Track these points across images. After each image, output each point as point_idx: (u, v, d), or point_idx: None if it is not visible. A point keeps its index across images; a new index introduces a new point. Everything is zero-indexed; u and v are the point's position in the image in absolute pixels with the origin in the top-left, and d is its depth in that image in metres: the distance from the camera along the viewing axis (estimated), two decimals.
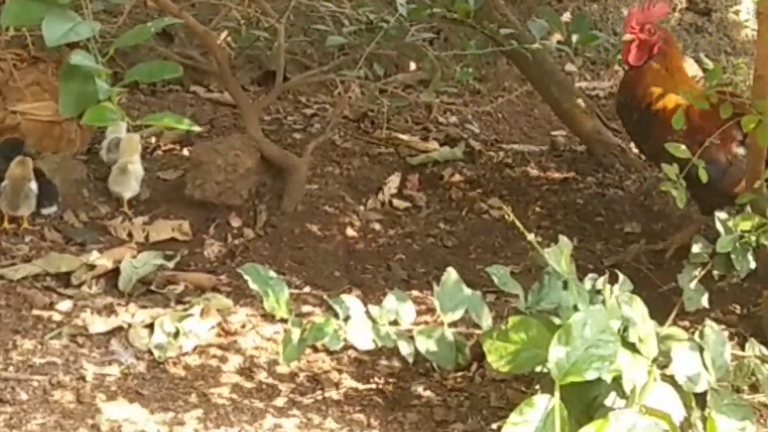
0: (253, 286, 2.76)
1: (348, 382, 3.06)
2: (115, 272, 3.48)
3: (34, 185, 3.72)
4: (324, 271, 3.69)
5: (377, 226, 4.00)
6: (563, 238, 2.86)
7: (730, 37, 6.03)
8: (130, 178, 3.91)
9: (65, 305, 3.29)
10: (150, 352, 3.08)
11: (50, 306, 3.29)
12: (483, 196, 4.25)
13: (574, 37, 4.09)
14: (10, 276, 3.40)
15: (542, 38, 4.14)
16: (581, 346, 2.39)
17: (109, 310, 3.29)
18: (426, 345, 2.82)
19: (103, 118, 2.33)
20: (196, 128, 2.41)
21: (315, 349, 3.14)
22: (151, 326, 3.16)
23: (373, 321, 2.83)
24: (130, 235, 3.77)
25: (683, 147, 3.33)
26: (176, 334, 3.13)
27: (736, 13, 5.99)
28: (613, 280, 2.87)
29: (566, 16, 5.46)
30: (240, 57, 4.66)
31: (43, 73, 4.05)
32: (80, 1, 2.37)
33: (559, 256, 2.71)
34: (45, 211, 3.78)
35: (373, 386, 3.05)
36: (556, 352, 2.39)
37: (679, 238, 3.85)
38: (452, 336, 2.85)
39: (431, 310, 3.37)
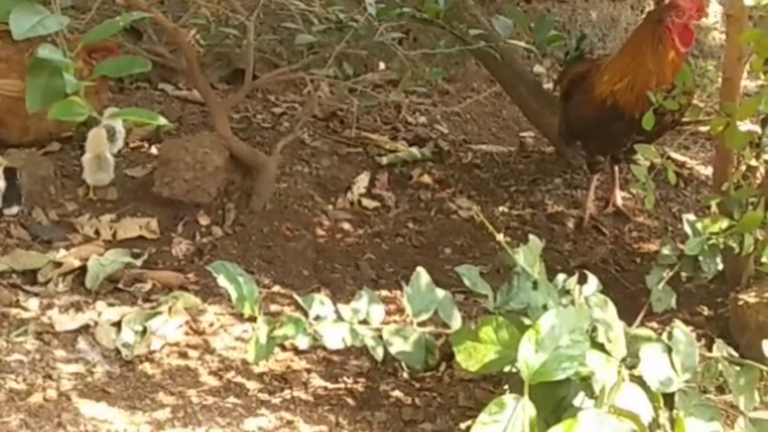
0: (222, 283, 2.74)
1: (317, 381, 3.06)
2: (82, 270, 3.45)
3: (1, 184, 3.70)
4: (293, 270, 3.68)
5: (346, 226, 4.00)
6: (533, 238, 2.87)
7: (698, 40, 6.06)
8: (109, 167, 3.93)
9: (32, 303, 3.26)
10: (117, 351, 3.06)
11: (16, 304, 3.26)
12: (452, 196, 4.25)
13: (537, 37, 4.10)
14: None
15: (511, 39, 4.15)
16: (550, 347, 2.39)
17: (76, 308, 3.26)
18: (395, 345, 2.82)
19: (70, 112, 2.31)
20: (165, 122, 2.39)
21: (284, 348, 3.14)
22: (118, 324, 3.15)
23: (343, 320, 2.82)
24: (97, 232, 3.75)
25: (653, 149, 3.35)
26: (144, 333, 3.11)
27: (705, 16, 6.01)
28: (582, 280, 2.88)
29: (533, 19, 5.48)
30: (209, 55, 4.65)
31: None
32: None
33: (529, 256, 2.72)
34: (7, 212, 3.75)
35: (342, 386, 3.05)
36: (526, 352, 2.39)
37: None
38: (421, 336, 2.85)
39: (400, 310, 3.38)
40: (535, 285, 2.71)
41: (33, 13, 2.26)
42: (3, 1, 2.28)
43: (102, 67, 2.39)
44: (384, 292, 3.56)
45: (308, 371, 3.10)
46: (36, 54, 2.26)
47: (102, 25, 2.47)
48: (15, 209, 3.77)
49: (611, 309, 2.64)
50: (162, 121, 2.37)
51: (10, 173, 3.78)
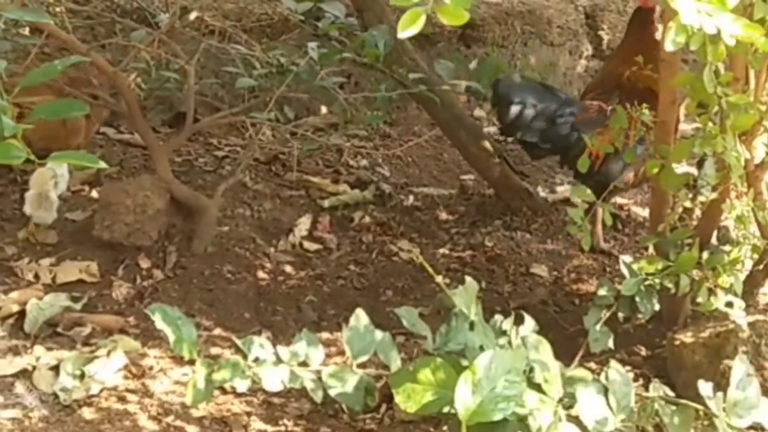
0: (160, 326, 2.74)
1: (257, 424, 3.06)
2: (21, 314, 3.43)
3: None
4: (234, 313, 3.68)
5: (288, 268, 4.00)
6: (469, 280, 2.89)
7: None
8: (52, 205, 3.91)
9: None
10: (56, 396, 3.05)
11: None
12: (393, 238, 4.27)
13: (481, 81, 4.15)
14: None
15: (451, 83, 4.20)
16: (487, 387, 2.42)
17: (14, 353, 3.24)
18: (335, 387, 2.83)
19: (8, 155, 2.31)
20: (105, 166, 2.40)
21: (224, 391, 3.13)
22: (56, 369, 3.13)
23: (282, 362, 2.83)
24: (36, 276, 3.72)
25: (589, 191, 3.40)
26: (82, 377, 3.10)
27: None
28: (519, 321, 2.91)
29: (474, 64, 5.55)
30: (150, 98, 4.65)
31: None
32: None
33: (465, 297, 2.74)
34: None
35: (282, 428, 3.05)
36: (463, 393, 2.41)
37: None
38: (361, 378, 2.86)
39: (342, 352, 3.38)
40: (471, 326, 2.74)
41: None
42: None
43: (40, 110, 2.40)
44: (325, 334, 3.56)
45: (248, 414, 3.09)
46: None
47: (41, 68, 2.49)
48: None
49: (547, 349, 2.67)
50: (102, 164, 2.37)
51: None
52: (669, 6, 2.09)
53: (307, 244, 4.16)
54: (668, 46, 2.20)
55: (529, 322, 2.92)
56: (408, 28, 1.86)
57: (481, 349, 2.62)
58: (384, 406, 3.10)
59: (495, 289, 3.96)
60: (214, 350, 3.39)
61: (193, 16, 4.18)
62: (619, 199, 4.63)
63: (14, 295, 3.55)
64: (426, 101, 4.28)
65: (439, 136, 4.99)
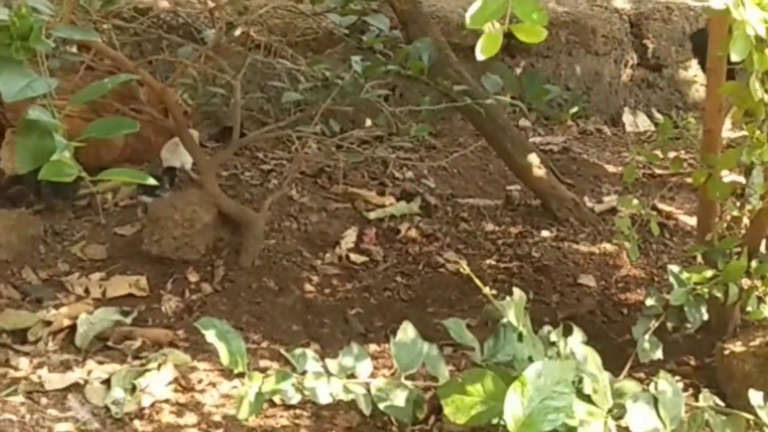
0: (210, 339, 2.76)
1: None
2: (71, 329, 3.46)
3: None
4: (282, 326, 3.70)
5: (335, 281, 4.02)
6: (517, 291, 2.89)
7: (681, 92, 6.15)
8: None
9: (22, 362, 3.27)
10: (107, 409, 3.07)
11: (6, 363, 3.27)
12: (439, 250, 4.28)
13: (528, 92, 4.14)
14: None
15: (496, 94, 4.20)
16: (536, 398, 2.41)
17: (66, 367, 3.27)
18: (384, 399, 2.84)
19: (60, 172, 2.34)
20: (153, 182, 2.42)
21: (273, 404, 3.14)
22: (108, 382, 3.15)
23: (331, 375, 2.84)
24: (87, 291, 3.76)
25: (636, 201, 3.39)
26: (134, 390, 3.12)
27: (686, 68, 6.10)
28: (567, 332, 2.90)
29: (518, 72, 5.55)
30: (197, 113, 4.68)
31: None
32: (36, 58, 2.38)
33: (514, 308, 2.74)
34: None
35: None
36: (512, 404, 2.41)
37: None
38: (409, 390, 2.87)
39: (389, 364, 3.39)
40: (520, 337, 2.74)
41: (21, 76, 2.30)
42: None
43: (91, 128, 2.43)
44: (373, 346, 3.57)
45: (297, 426, 3.10)
46: (25, 115, 2.30)
47: (90, 86, 2.51)
48: None
49: (597, 360, 2.66)
50: (151, 180, 2.40)
51: None
52: (716, 15, 2.09)
53: (353, 257, 4.17)
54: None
55: (578, 333, 2.92)
56: (488, 52, 1.85)
57: (530, 360, 2.61)
58: (432, 418, 3.09)
59: (542, 300, 3.95)
60: (263, 363, 3.40)
61: (238, 31, 4.20)
62: (666, 208, 4.61)
63: (65, 309, 3.58)
64: (471, 112, 4.28)
65: (484, 147, 4.99)
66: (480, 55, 1.89)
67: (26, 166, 2.34)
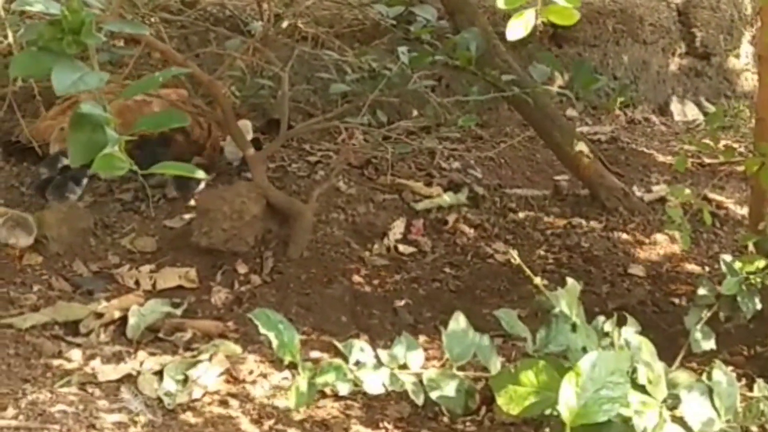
0: (263, 330, 2.77)
1: (357, 427, 3.05)
2: (123, 320, 3.48)
3: None
4: (331, 317, 3.70)
5: (383, 272, 4.02)
6: (571, 281, 2.87)
7: (730, 81, 6.09)
8: None
9: (74, 354, 3.29)
10: (160, 400, 3.08)
11: (59, 355, 3.29)
12: (487, 240, 4.26)
13: (576, 82, 4.12)
14: (18, 325, 3.41)
15: (543, 83, 4.18)
16: (591, 388, 2.40)
17: (118, 358, 3.29)
18: (435, 389, 2.83)
19: (111, 166, 2.35)
20: (203, 174, 2.43)
21: (323, 395, 3.14)
22: (160, 373, 3.17)
23: (383, 365, 2.84)
24: (137, 283, 3.79)
25: (687, 191, 3.36)
26: (185, 382, 3.13)
27: (736, 56, 6.04)
28: (621, 322, 2.88)
29: (567, 62, 5.52)
30: (244, 105, 4.69)
31: None
32: (87, 52, 2.39)
33: (567, 298, 2.72)
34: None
35: (383, 431, 3.05)
36: (567, 395, 2.40)
37: None
38: (461, 380, 2.86)
39: (439, 355, 3.38)
40: (574, 327, 2.72)
41: (73, 70, 2.30)
42: (44, 58, 2.33)
43: (142, 122, 2.43)
44: (422, 337, 3.56)
45: (348, 417, 3.10)
46: (77, 110, 2.31)
47: (142, 80, 2.52)
48: None
49: (651, 350, 2.64)
50: (200, 173, 2.40)
51: None
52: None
53: (401, 248, 4.17)
54: None
55: (632, 323, 2.90)
56: (517, 29, 1.85)
57: (584, 350, 2.59)
58: (483, 409, 3.09)
59: (592, 291, 3.93)
60: (313, 354, 3.40)
61: (286, 23, 4.21)
62: (716, 197, 4.57)
63: (116, 301, 3.60)
64: (518, 102, 4.26)
65: (531, 137, 4.97)
66: (510, 37, 1.89)
67: (78, 160, 2.35)
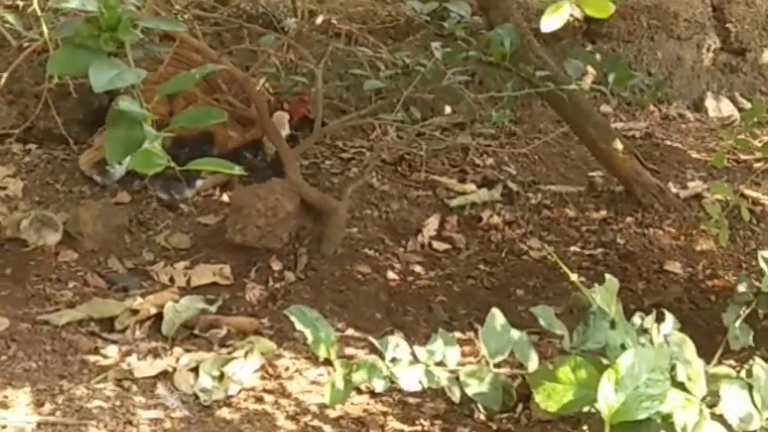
0: (299, 327, 2.77)
1: (393, 424, 3.05)
2: (158, 317, 3.49)
3: None
4: (366, 314, 3.70)
5: (417, 268, 4.01)
6: (609, 277, 2.85)
7: (765, 76, 6.04)
8: None
9: (111, 350, 3.30)
10: (196, 396, 3.08)
11: (95, 351, 3.30)
12: (522, 237, 4.25)
13: (611, 77, 4.09)
14: (54, 322, 3.43)
15: (577, 79, 4.16)
16: (631, 386, 2.38)
17: (154, 355, 3.29)
18: (472, 386, 2.82)
19: (149, 163, 2.35)
20: (239, 171, 2.42)
21: (359, 392, 3.13)
22: (195, 370, 3.17)
23: (419, 362, 2.83)
24: (172, 279, 3.79)
25: (726, 186, 3.34)
26: (221, 378, 3.13)
27: None
28: (659, 319, 2.86)
29: (599, 57, 5.48)
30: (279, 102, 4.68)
31: None
32: (122, 49, 2.39)
33: (606, 295, 2.71)
34: None
35: (419, 428, 3.04)
36: (606, 392, 2.38)
37: None
38: (498, 377, 2.85)
39: (474, 352, 3.37)
40: (612, 324, 2.70)
41: (110, 67, 2.31)
42: (80, 55, 2.33)
43: (180, 118, 2.43)
44: (457, 334, 3.54)
45: (384, 414, 3.09)
46: (115, 106, 2.31)
47: (178, 76, 2.52)
48: None
49: (690, 347, 2.62)
50: (238, 171, 2.40)
51: None
52: None
53: (436, 244, 4.16)
54: None
55: (670, 320, 2.87)
56: (552, 22, 1.84)
57: (623, 347, 2.58)
58: (520, 406, 3.08)
59: (628, 287, 3.90)
60: (348, 350, 3.40)
61: (320, 19, 4.20)
62: (753, 194, 4.54)
63: (151, 298, 3.61)
64: (553, 98, 4.24)
65: (565, 133, 4.95)
66: (545, 29, 1.88)
67: (116, 156, 2.35)
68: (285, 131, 4.36)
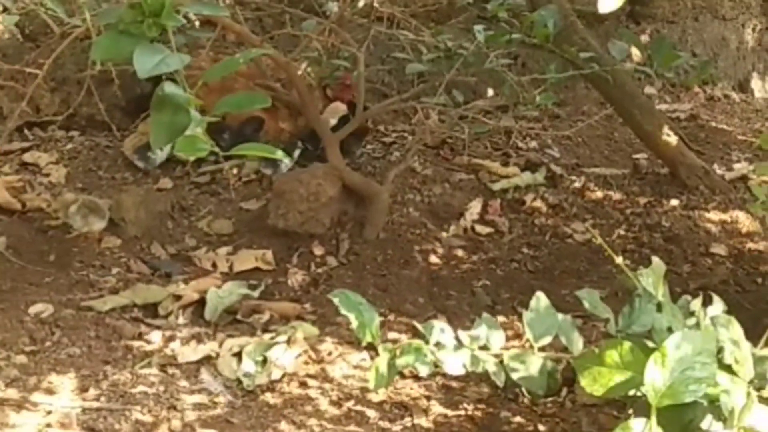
0: (343, 311, 2.76)
1: (437, 408, 3.04)
2: (200, 302, 3.50)
3: None
4: (408, 298, 3.69)
5: (460, 252, 3.99)
6: (656, 260, 2.81)
7: None
8: None
9: (154, 336, 3.31)
10: (239, 381, 3.09)
11: (139, 336, 3.31)
12: (566, 220, 4.22)
13: (655, 59, 4.04)
14: (98, 308, 3.44)
15: (621, 61, 4.12)
16: (678, 369, 2.34)
17: (197, 340, 3.30)
18: (517, 370, 2.80)
19: (193, 147, 2.35)
20: (282, 155, 2.41)
21: (402, 376, 3.13)
22: (239, 355, 3.17)
23: (463, 346, 2.81)
24: (214, 265, 3.80)
25: None
26: (264, 363, 3.13)
27: None
28: (706, 301, 2.83)
29: (644, 39, 5.44)
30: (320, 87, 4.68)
31: None
32: (165, 35, 2.39)
33: (652, 278, 2.67)
34: None
35: (463, 413, 3.03)
36: (652, 375, 2.35)
37: None
38: (543, 361, 2.83)
39: (518, 336, 3.35)
40: (658, 307, 2.67)
41: (154, 52, 2.30)
42: (124, 41, 2.33)
43: (224, 103, 2.43)
44: (500, 318, 3.53)
45: (428, 398, 3.08)
46: (159, 91, 2.31)
47: (223, 61, 2.52)
48: None
49: (738, 329, 2.58)
50: (279, 154, 2.39)
51: None
52: None
53: (478, 228, 4.14)
54: None
55: (717, 303, 2.84)
56: (609, 1, 1.80)
57: (670, 330, 2.54)
58: (565, 390, 3.05)
59: (674, 270, 3.86)
60: (391, 335, 3.39)
61: (361, 3, 4.19)
62: None
63: (194, 283, 3.63)
64: (597, 80, 4.21)
65: (609, 115, 4.91)
66: (602, 9, 1.85)
67: (160, 141, 2.35)
68: (335, 120, 4.36)
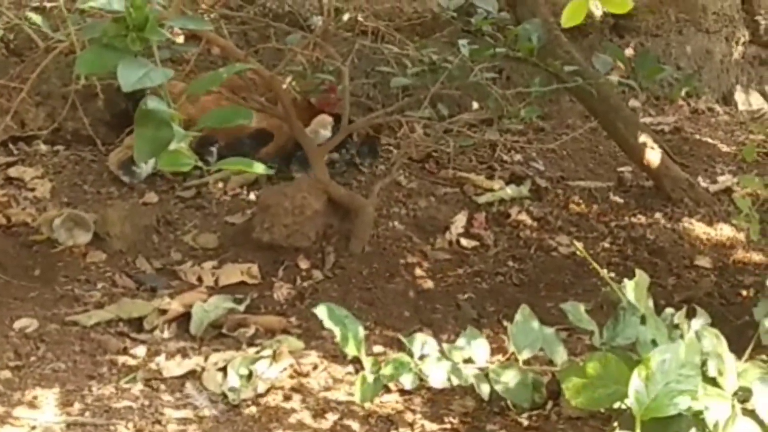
0: (327, 324, 2.76)
1: (422, 422, 3.03)
2: (186, 316, 3.50)
3: None
4: (393, 312, 3.69)
5: (445, 266, 3.99)
6: (640, 273, 2.83)
7: None
8: None
9: (139, 350, 3.30)
10: (224, 395, 3.08)
11: (124, 351, 3.31)
12: (551, 233, 4.23)
13: (639, 72, 4.07)
14: (83, 322, 3.43)
15: (605, 74, 4.14)
16: (662, 381, 2.36)
17: (183, 354, 3.30)
18: (501, 383, 2.81)
19: (177, 162, 2.35)
20: (264, 170, 2.41)
21: (387, 390, 3.12)
22: (224, 369, 3.17)
23: (448, 359, 2.82)
24: (200, 279, 3.79)
25: (757, 180, 3.31)
26: (249, 377, 3.13)
27: None
28: (690, 314, 2.84)
29: (628, 52, 5.46)
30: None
31: None
32: (149, 49, 2.39)
33: (637, 290, 2.69)
34: None
35: (448, 426, 3.02)
36: (636, 388, 2.36)
37: None
38: (527, 373, 2.84)
39: (503, 349, 3.35)
40: (642, 320, 2.68)
41: (138, 66, 2.31)
42: (108, 55, 2.33)
43: (207, 118, 2.43)
44: (486, 331, 3.52)
45: (413, 412, 3.08)
46: (142, 105, 2.31)
47: (206, 75, 2.53)
48: None
49: (723, 342, 2.60)
50: (260, 169, 2.39)
51: None
52: None
53: (464, 241, 4.15)
54: None
55: (701, 315, 2.85)
56: (573, 21, 1.83)
57: (654, 343, 2.56)
58: (550, 403, 3.06)
59: (658, 283, 3.87)
60: (376, 348, 3.39)
61: (346, 17, 4.20)
62: None
63: (179, 298, 3.62)
64: (581, 93, 4.22)
65: (593, 129, 4.92)
66: (565, 24, 1.87)
67: (144, 156, 2.35)
68: (327, 133, 4.36)
